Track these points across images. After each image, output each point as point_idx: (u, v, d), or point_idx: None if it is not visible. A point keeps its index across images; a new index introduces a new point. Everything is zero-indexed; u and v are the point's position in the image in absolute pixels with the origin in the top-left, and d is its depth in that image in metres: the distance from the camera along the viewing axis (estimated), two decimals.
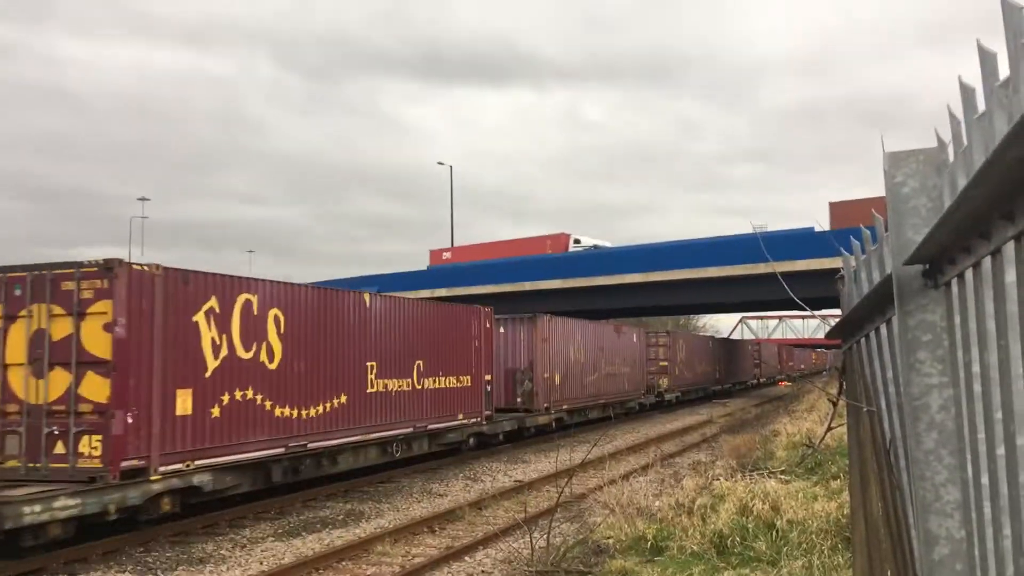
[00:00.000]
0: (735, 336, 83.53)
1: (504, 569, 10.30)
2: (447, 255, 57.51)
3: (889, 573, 3.65)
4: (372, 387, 16.45)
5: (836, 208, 36.78)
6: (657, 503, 12.30)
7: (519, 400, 23.99)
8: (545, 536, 9.96)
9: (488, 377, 21.35)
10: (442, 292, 43.00)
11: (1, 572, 9.95)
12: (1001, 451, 1.65)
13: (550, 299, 41.15)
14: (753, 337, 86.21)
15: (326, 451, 15.23)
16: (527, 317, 24.59)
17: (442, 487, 16.86)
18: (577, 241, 51.02)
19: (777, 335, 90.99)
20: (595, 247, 48.99)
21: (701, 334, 61.12)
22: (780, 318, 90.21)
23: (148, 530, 12.08)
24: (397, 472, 18.01)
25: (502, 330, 23.99)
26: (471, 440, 20.86)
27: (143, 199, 69.99)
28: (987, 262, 1.66)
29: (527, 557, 9.81)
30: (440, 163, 76.61)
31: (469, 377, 20.42)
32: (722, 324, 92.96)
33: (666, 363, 38.86)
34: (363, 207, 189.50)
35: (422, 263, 57.85)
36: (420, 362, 18.26)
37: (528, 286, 42.72)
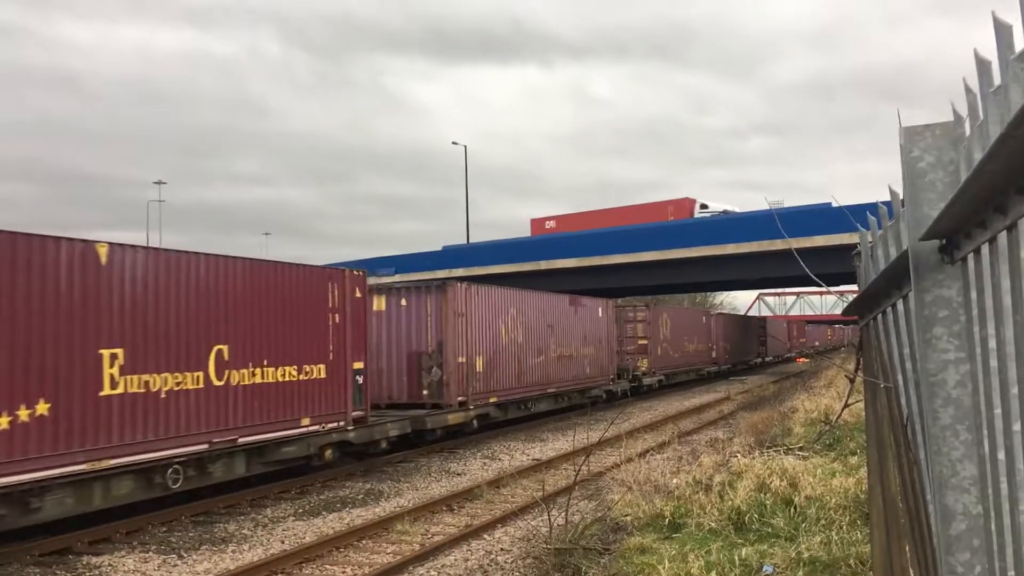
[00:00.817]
0: (752, 313, 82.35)
1: (523, 547, 10.37)
2: (551, 224, 53.81)
3: (907, 548, 3.66)
4: (112, 388, 11.04)
5: None
6: (675, 480, 12.33)
7: (425, 393, 19.21)
8: (563, 514, 10.01)
9: (358, 365, 15.84)
10: (459, 272, 43.06)
11: (27, 552, 10.11)
12: (1017, 427, 1.65)
13: (565, 278, 41.16)
14: (771, 314, 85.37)
15: None
16: (435, 285, 19.70)
17: (460, 466, 16.96)
18: (704, 206, 46.30)
19: (795, 311, 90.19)
20: (724, 212, 44.88)
21: (694, 308, 56.35)
22: (798, 295, 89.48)
23: (171, 510, 12.23)
24: (414, 452, 18.12)
25: (403, 302, 19.54)
26: (330, 453, 15.16)
27: (159, 182, 70.47)
28: (1003, 237, 1.65)
29: (545, 535, 9.86)
30: (455, 143, 76.67)
31: (323, 366, 14.92)
32: (739, 301, 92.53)
33: (646, 341, 33.28)
34: (373, 187, 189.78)
35: (436, 243, 56.81)
36: (223, 347, 12.80)
37: (544, 265, 42.74)
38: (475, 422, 20.11)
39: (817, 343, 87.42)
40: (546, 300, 24.91)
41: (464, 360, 19.65)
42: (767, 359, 60.13)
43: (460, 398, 19.41)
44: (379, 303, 19.48)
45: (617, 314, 31.64)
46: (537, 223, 55.23)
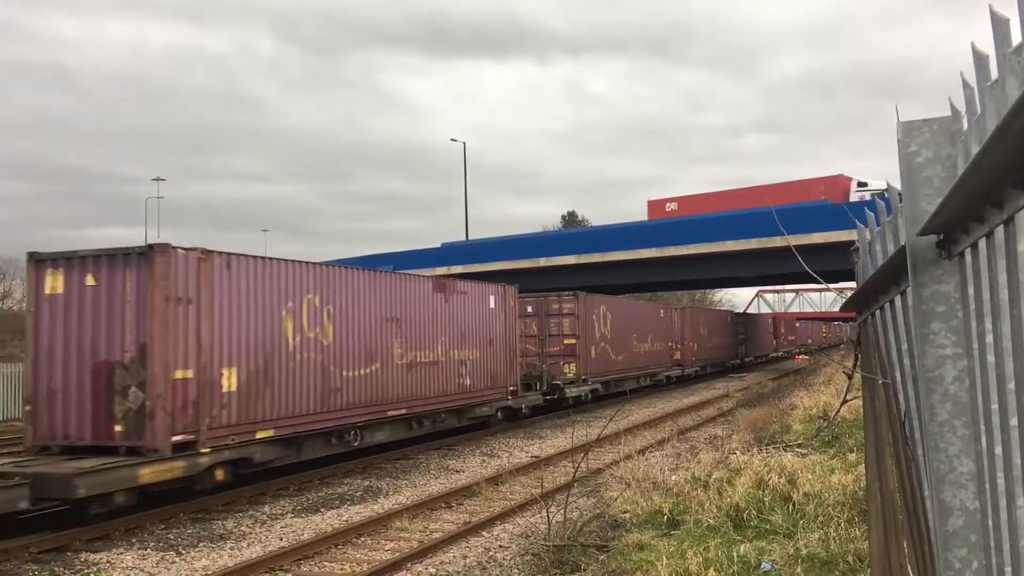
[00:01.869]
0: (752, 310, 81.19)
1: (521, 543, 10.38)
2: (672, 206, 48.85)
3: (905, 544, 3.65)
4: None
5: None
6: (673, 477, 12.34)
7: (118, 430, 11.88)
8: (562, 511, 10.01)
9: None
10: (458, 269, 43.07)
11: (24, 549, 10.11)
12: (1014, 422, 1.64)
13: (566, 274, 41.16)
14: (770, 311, 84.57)
15: None
16: (136, 252, 12.19)
17: (459, 463, 16.97)
18: (863, 184, 38.75)
19: (795, 308, 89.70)
20: (885, 192, 40.94)
21: (651, 301, 47.70)
22: (797, 292, 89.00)
23: (169, 507, 12.23)
24: (412, 449, 18.12)
25: (90, 280, 12.29)
26: None
27: (158, 179, 70.47)
28: (1000, 231, 1.64)
29: (544, 532, 9.87)
30: (453, 140, 76.73)
31: None
32: (738, 299, 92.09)
33: (574, 341, 26.27)
34: (369, 184, 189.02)
35: (433, 240, 55.45)
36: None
37: (543, 262, 42.72)
38: (219, 472, 12.75)
39: (810, 341, 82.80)
40: (387, 283, 17.14)
41: (190, 375, 12.22)
42: (746, 360, 53.09)
43: (179, 437, 11.98)
44: (53, 282, 12.42)
45: (537, 306, 26.38)
46: (656, 205, 49.96)
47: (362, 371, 16.05)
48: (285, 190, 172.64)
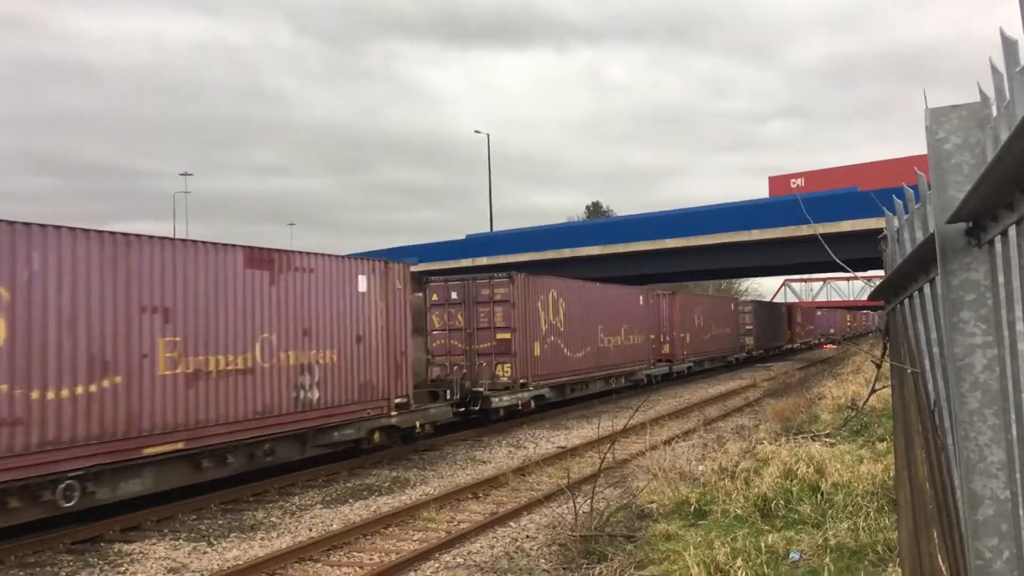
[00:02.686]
0: (778, 300, 79.69)
1: (548, 534, 10.40)
2: (797, 182, 46.27)
3: (935, 534, 3.63)
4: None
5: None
6: (700, 468, 12.31)
7: None
8: (588, 501, 10.02)
9: None
10: (483, 261, 43.16)
11: (59, 540, 10.27)
12: None
13: (590, 265, 41.13)
14: (796, 300, 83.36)
15: None
16: None
17: (486, 454, 17.03)
18: None
19: (822, 297, 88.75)
20: None
21: (621, 286, 34.99)
22: (824, 280, 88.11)
23: (199, 498, 12.38)
24: (441, 440, 18.19)
25: None
26: None
27: (185, 174, 71.15)
28: None
29: (571, 522, 9.89)
30: (477, 131, 76.84)
31: None
32: (764, 288, 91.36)
33: (509, 336, 20.90)
34: (390, 175, 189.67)
35: (455, 231, 55.40)
36: None
37: (567, 253, 42.72)
38: None
39: (833, 331, 76.48)
40: (144, 254, 11.43)
41: None
42: (753, 353, 45.99)
43: None
44: None
45: (463, 291, 21.36)
46: (779, 181, 47.24)
47: (79, 390, 10.45)
48: (307, 183, 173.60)
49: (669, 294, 34.42)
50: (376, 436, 15.79)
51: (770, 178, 49.65)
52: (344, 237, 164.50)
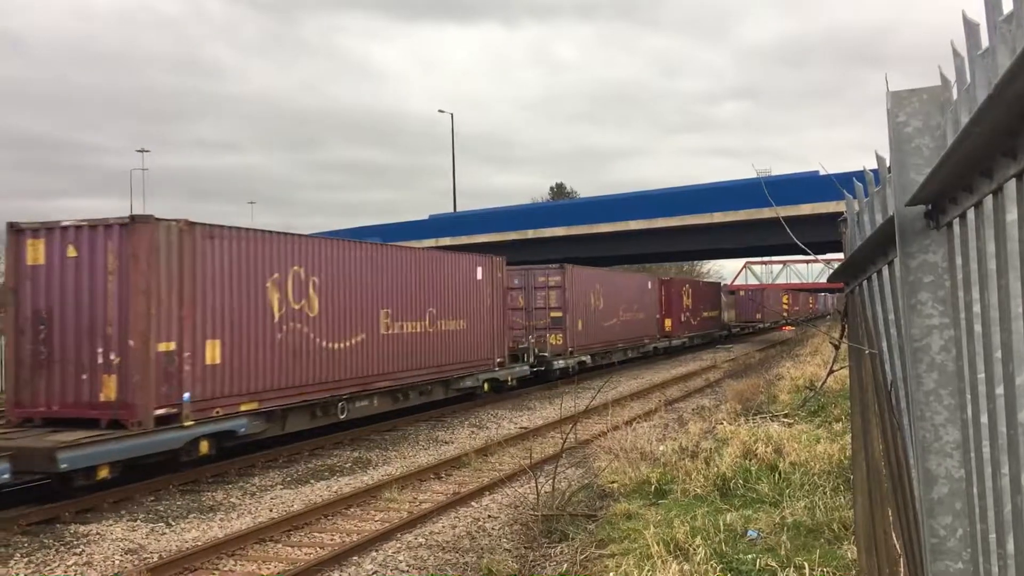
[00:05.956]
0: (739, 282, 79.74)
1: (510, 513, 10.45)
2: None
3: (890, 512, 3.69)
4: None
5: None
6: (661, 448, 12.42)
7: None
8: (550, 481, 10.07)
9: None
10: (446, 241, 43.01)
11: (13, 520, 10.11)
12: (1000, 390, 1.65)
13: (554, 246, 41.17)
14: (757, 282, 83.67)
15: None
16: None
17: (448, 435, 17.03)
18: None
19: (782, 279, 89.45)
20: None
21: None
22: (784, 263, 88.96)
23: (158, 479, 12.24)
24: (403, 420, 18.17)
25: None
26: None
27: (143, 150, 70.00)
28: (988, 201, 1.64)
29: (533, 502, 9.93)
30: (441, 111, 76.42)
31: None
32: (726, 270, 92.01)
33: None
34: (340, 154, 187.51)
35: (415, 212, 55.23)
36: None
37: (531, 234, 42.68)
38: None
39: (797, 309, 73.64)
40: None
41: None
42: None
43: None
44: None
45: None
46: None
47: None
48: (258, 160, 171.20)
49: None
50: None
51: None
52: (301, 216, 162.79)
